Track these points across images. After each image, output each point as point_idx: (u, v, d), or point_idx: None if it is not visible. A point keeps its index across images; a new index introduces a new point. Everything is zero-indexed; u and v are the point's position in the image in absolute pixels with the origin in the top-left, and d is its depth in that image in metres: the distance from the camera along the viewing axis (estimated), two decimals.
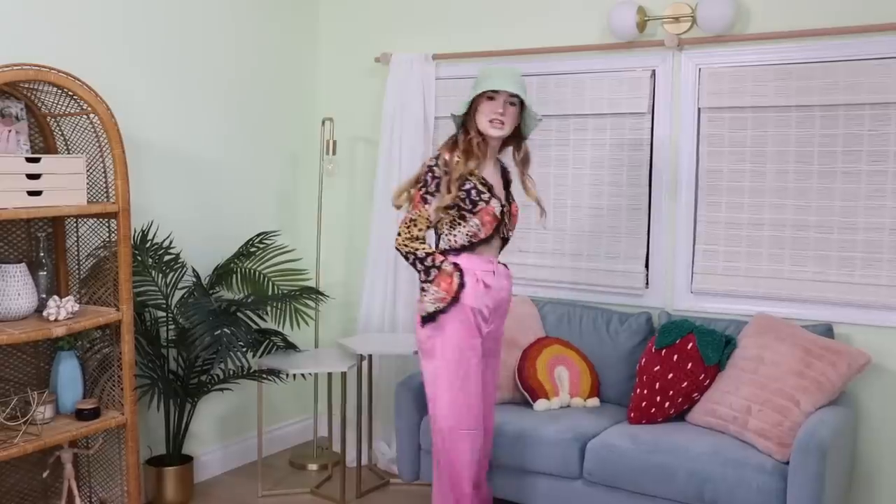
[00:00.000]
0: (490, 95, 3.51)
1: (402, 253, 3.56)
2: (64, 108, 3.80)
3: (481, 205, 3.53)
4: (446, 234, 3.60)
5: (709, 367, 3.91)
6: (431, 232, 3.65)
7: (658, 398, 3.95)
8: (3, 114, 3.60)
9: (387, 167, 4.97)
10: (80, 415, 3.75)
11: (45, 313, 3.60)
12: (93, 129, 3.80)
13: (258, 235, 4.77)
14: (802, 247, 4.13)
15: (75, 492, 3.83)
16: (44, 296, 3.75)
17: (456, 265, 3.53)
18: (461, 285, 3.51)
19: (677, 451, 3.64)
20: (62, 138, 3.88)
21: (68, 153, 3.87)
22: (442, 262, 3.52)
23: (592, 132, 4.56)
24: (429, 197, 3.55)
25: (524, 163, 3.70)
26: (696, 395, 3.95)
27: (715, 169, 4.30)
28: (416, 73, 4.90)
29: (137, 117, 4.31)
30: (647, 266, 4.50)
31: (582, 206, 4.64)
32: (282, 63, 5.23)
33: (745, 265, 4.26)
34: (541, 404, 4.16)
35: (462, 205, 3.53)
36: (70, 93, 3.68)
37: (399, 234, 3.56)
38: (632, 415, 4.00)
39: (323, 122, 5.14)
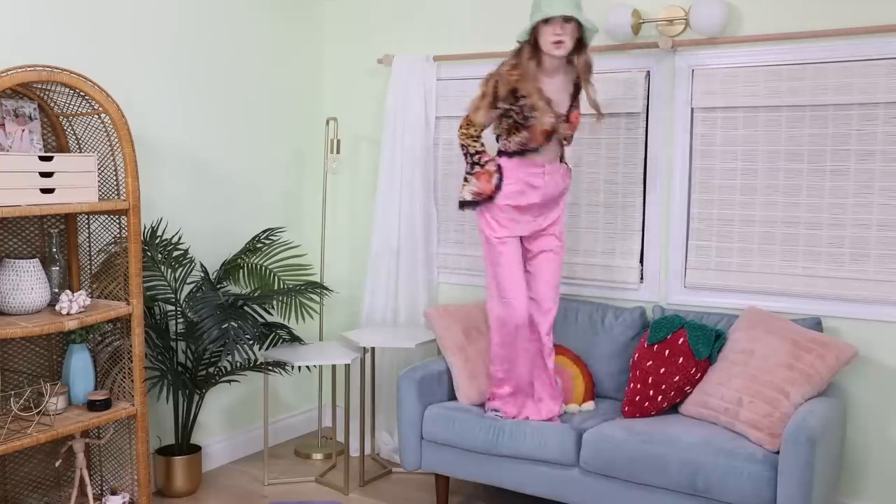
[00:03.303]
0: (546, 20, 3.75)
1: (460, 143, 4.01)
2: (76, 108, 3.83)
3: (532, 121, 3.84)
4: (503, 139, 3.99)
5: (700, 361, 3.93)
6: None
7: (651, 392, 3.96)
8: (16, 113, 3.63)
9: (389, 165, 4.99)
10: (92, 406, 3.80)
11: (57, 307, 3.64)
12: (104, 129, 3.84)
13: (264, 232, 4.80)
14: (792, 243, 4.16)
15: (87, 480, 3.88)
16: (56, 290, 3.80)
17: (499, 167, 3.94)
18: (498, 186, 3.92)
19: (670, 441, 3.66)
20: (74, 137, 3.92)
21: (80, 152, 3.90)
22: (487, 161, 3.95)
23: (588, 132, 4.56)
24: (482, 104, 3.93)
25: (586, 70, 3.94)
26: (687, 388, 3.96)
27: (707, 167, 4.32)
28: (417, 75, 4.92)
29: (147, 117, 4.34)
30: (641, 261, 4.53)
31: (579, 203, 4.65)
32: (287, 64, 5.25)
33: (737, 260, 4.29)
34: None
35: (515, 117, 3.86)
36: (82, 93, 3.72)
37: (460, 127, 4.00)
38: (626, 409, 4.02)
39: (327, 122, 5.16)
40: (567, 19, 3.75)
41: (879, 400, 4.01)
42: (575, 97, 3.99)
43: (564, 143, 4.05)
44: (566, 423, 3.99)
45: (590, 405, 4.24)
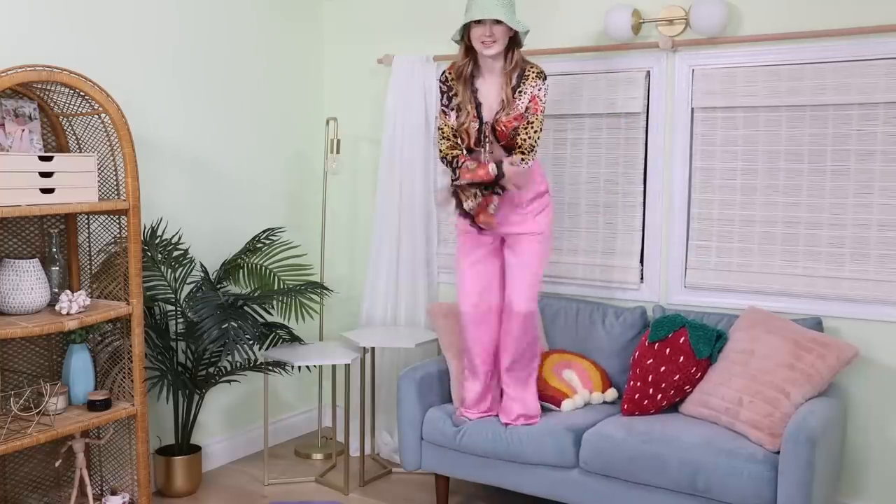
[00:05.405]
0: (477, 21, 3.75)
1: (440, 157, 3.99)
2: (76, 107, 3.84)
3: (462, 118, 3.90)
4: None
5: (700, 361, 3.93)
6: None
7: (651, 391, 3.96)
8: (16, 113, 3.64)
9: (389, 165, 5.00)
10: (92, 406, 3.81)
11: (57, 307, 3.65)
12: (104, 129, 3.85)
13: (264, 231, 4.82)
14: (793, 243, 4.16)
15: (87, 480, 3.90)
16: (56, 290, 3.82)
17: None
18: (453, 179, 3.93)
19: (670, 441, 3.66)
20: (74, 137, 3.93)
21: (80, 152, 3.91)
22: (464, 161, 3.87)
23: (589, 132, 4.59)
24: (446, 109, 3.96)
25: (514, 68, 3.86)
26: (687, 387, 3.96)
27: (707, 167, 4.33)
28: (417, 75, 4.93)
29: (147, 117, 4.36)
30: (641, 261, 4.53)
31: (579, 203, 4.67)
32: (288, 64, 5.27)
33: (737, 260, 4.29)
34: (567, 404, 4.12)
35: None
36: (82, 93, 3.73)
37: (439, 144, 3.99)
38: (625, 406, 4.01)
39: (327, 122, 5.18)
40: (499, 21, 3.74)
41: (880, 400, 4.02)
42: (510, 101, 3.87)
43: (521, 148, 3.86)
44: (564, 419, 3.99)
45: (612, 393, 4.25)
